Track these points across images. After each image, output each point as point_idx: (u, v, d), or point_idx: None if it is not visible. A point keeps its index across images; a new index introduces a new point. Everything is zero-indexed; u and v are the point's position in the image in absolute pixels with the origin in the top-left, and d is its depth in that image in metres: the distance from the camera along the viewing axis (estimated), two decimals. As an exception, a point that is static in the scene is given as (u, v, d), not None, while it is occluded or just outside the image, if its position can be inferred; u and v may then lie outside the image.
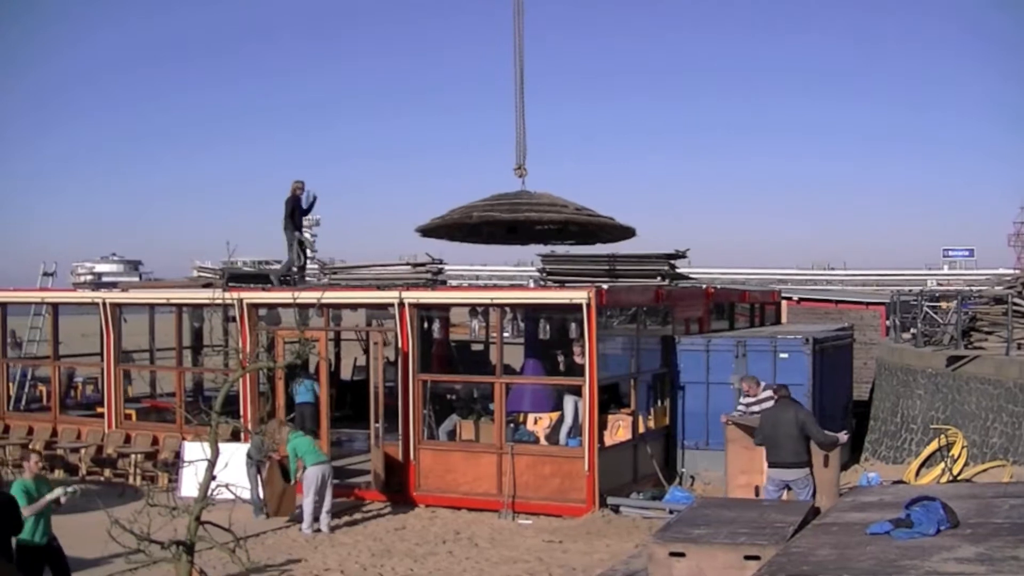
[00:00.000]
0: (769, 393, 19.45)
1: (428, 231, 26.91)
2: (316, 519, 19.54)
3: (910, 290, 32.97)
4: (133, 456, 23.94)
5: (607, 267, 25.19)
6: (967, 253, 72.43)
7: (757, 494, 17.89)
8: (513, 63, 25.96)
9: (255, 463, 20.49)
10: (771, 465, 17.13)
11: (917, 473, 21.51)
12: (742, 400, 20.01)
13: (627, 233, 27.58)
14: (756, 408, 19.20)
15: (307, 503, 19.57)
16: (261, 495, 20.59)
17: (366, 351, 26.35)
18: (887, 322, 31.91)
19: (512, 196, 25.97)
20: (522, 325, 28.95)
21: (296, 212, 24.63)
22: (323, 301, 20.30)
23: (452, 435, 22.31)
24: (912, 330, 27.10)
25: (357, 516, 20.67)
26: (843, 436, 17.80)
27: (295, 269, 24.98)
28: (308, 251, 24.71)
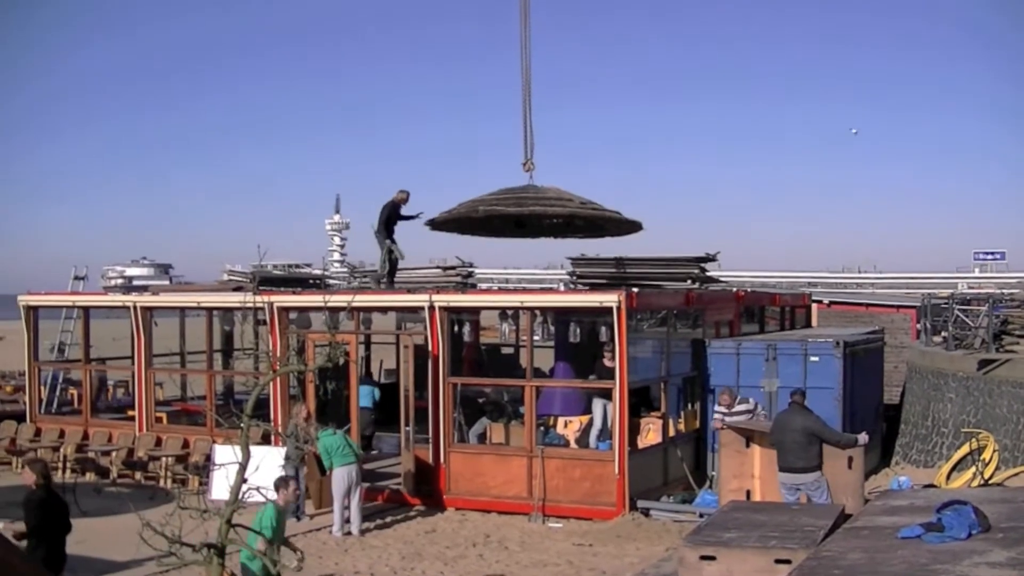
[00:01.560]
0: (744, 407, 19.84)
1: (437, 224, 26.82)
2: (346, 521, 19.58)
3: (941, 293, 32.77)
4: (164, 459, 23.99)
5: (637, 270, 25.15)
6: (998, 256, 71.89)
7: (748, 498, 18.04)
8: (520, 58, 25.92)
9: (294, 465, 20.51)
10: (780, 469, 17.27)
11: (948, 477, 21.41)
12: (717, 409, 20.18)
13: (634, 227, 27.45)
14: (729, 420, 19.50)
15: (336, 505, 19.61)
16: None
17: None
18: (918, 325, 31.76)
19: (519, 190, 25.86)
20: (552, 328, 28.93)
21: (392, 219, 24.32)
22: (353, 304, 20.30)
23: (482, 438, 22.31)
24: (943, 333, 26.98)
25: (387, 519, 20.69)
26: (862, 436, 17.79)
27: (384, 275, 24.59)
28: (397, 259, 24.38)
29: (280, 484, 14.01)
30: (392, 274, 24.48)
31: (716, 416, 20.09)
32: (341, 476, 19.52)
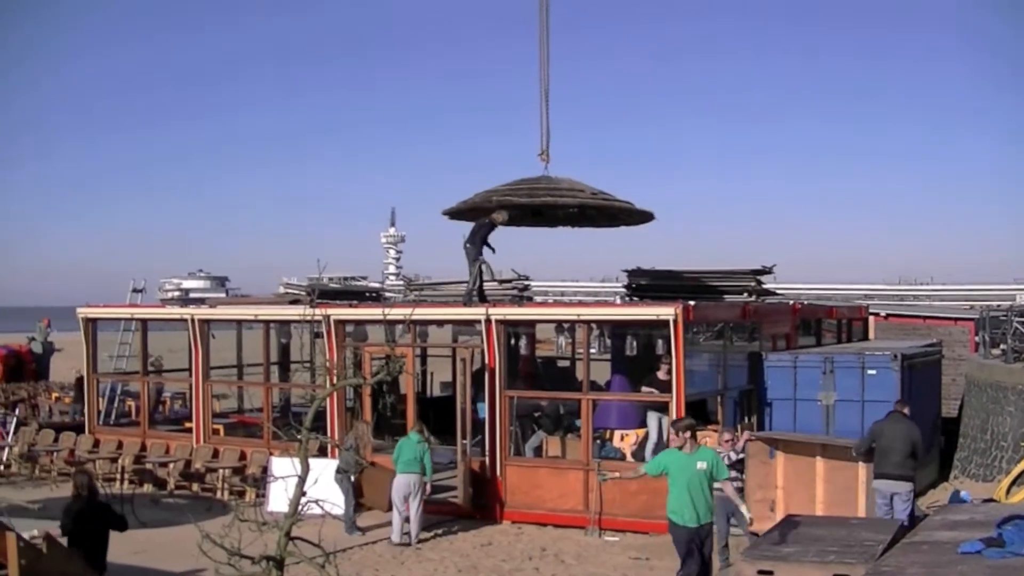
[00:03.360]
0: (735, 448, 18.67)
1: (454, 214, 26.80)
2: (404, 532, 19.64)
3: (999, 305, 32.41)
4: (221, 471, 24.12)
5: (694, 283, 25.08)
6: (1057, 267, 71.12)
7: (772, 510, 17.98)
8: (539, 48, 26.01)
9: (347, 478, 20.60)
10: (878, 476, 17.27)
11: (1008, 491, 21.22)
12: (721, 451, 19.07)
13: (646, 217, 27.37)
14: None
15: (395, 512, 19.71)
16: (352, 513, 20.67)
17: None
18: (976, 338, 31.48)
19: (532, 181, 25.82)
20: (608, 341, 28.87)
21: (480, 233, 24.19)
22: (411, 318, 20.35)
23: (538, 451, 22.32)
24: (1002, 346, 26.71)
25: (443, 531, 20.70)
26: None
27: (473, 292, 24.29)
28: (485, 275, 24.20)
29: (671, 426, 14.49)
30: (482, 293, 24.31)
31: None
32: (401, 483, 19.64)
